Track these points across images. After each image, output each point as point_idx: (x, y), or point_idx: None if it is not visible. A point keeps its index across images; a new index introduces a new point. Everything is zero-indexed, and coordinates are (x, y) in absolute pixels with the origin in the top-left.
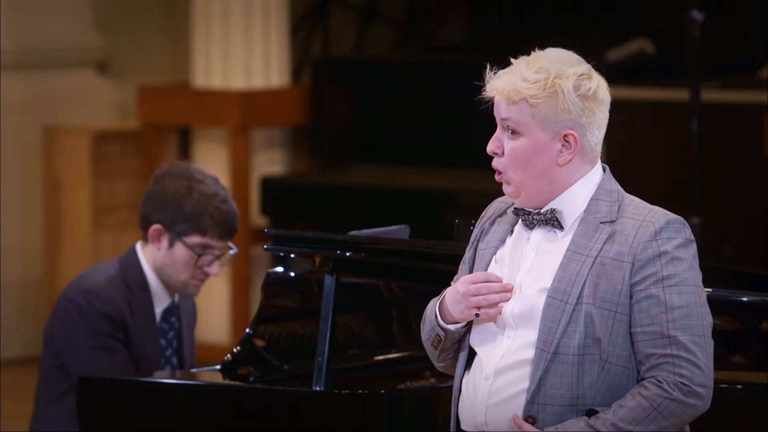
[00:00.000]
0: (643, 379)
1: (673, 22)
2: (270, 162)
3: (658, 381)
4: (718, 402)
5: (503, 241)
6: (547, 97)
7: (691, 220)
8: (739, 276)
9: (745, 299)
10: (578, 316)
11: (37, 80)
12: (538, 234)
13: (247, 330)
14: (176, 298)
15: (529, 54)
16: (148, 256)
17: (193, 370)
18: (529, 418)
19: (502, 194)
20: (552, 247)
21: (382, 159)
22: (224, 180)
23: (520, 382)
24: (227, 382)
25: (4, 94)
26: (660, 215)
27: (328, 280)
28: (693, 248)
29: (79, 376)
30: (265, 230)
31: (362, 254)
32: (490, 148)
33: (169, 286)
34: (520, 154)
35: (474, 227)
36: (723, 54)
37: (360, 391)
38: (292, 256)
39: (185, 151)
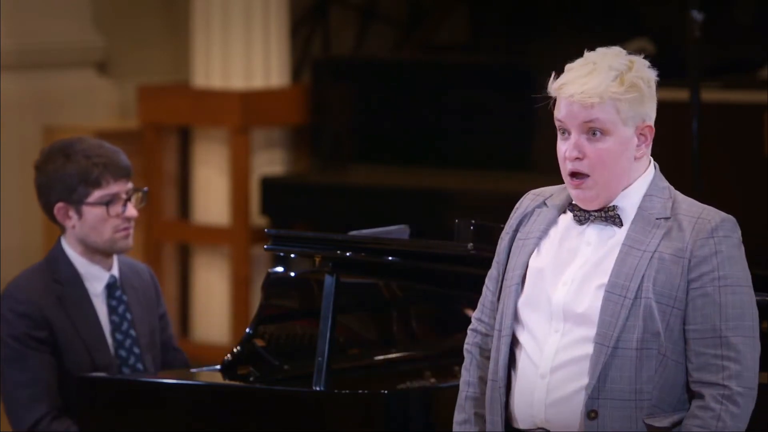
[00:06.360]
0: (692, 377)
1: (673, 22)
2: (270, 162)
3: (705, 405)
4: None
5: (546, 232)
6: (626, 91)
7: None
8: None
9: None
10: (637, 310)
11: (37, 80)
12: (594, 229)
13: (247, 330)
14: (116, 271)
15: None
16: (71, 241)
17: (193, 370)
18: (592, 412)
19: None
20: (608, 243)
21: (382, 159)
22: (224, 180)
23: (578, 379)
24: (227, 382)
25: (4, 94)
26: (714, 213)
27: (328, 280)
28: (743, 248)
29: (79, 377)
30: (265, 230)
31: (362, 254)
32: (572, 154)
33: (101, 255)
34: (608, 155)
35: (509, 219)
36: (723, 54)
37: (360, 391)
38: (292, 256)
39: (185, 151)
